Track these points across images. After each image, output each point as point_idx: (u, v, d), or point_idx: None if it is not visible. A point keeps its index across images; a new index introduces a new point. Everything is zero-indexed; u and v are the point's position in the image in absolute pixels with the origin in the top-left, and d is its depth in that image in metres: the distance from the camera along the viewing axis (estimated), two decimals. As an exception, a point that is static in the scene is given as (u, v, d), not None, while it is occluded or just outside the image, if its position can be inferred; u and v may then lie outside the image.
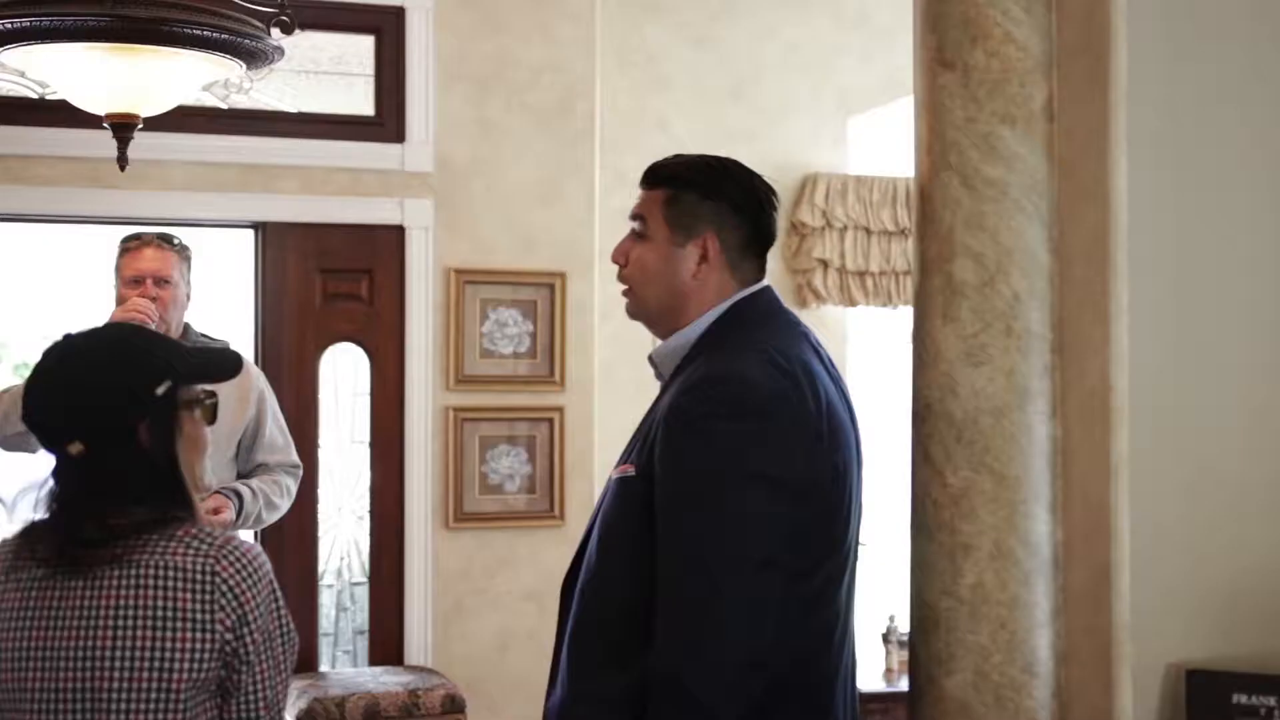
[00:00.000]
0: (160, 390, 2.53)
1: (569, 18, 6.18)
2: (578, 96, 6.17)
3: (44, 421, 2.53)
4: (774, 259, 7.10)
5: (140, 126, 4.42)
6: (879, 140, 7.36)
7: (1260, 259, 2.80)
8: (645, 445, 2.64)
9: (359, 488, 6.05)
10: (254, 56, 4.43)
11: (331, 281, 5.95)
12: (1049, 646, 2.86)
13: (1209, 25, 2.79)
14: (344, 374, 6.07)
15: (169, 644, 2.41)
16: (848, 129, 7.30)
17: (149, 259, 4.68)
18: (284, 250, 5.92)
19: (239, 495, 4.58)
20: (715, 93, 7.09)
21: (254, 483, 4.68)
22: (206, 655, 2.42)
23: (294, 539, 5.84)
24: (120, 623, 2.41)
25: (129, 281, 4.67)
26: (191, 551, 2.45)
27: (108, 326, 2.68)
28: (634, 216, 2.82)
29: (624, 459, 2.73)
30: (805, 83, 7.22)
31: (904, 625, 6.71)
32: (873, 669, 6.83)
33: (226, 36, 4.28)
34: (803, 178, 7.14)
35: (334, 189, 5.92)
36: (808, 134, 7.23)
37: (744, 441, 2.56)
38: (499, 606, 6.07)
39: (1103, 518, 2.76)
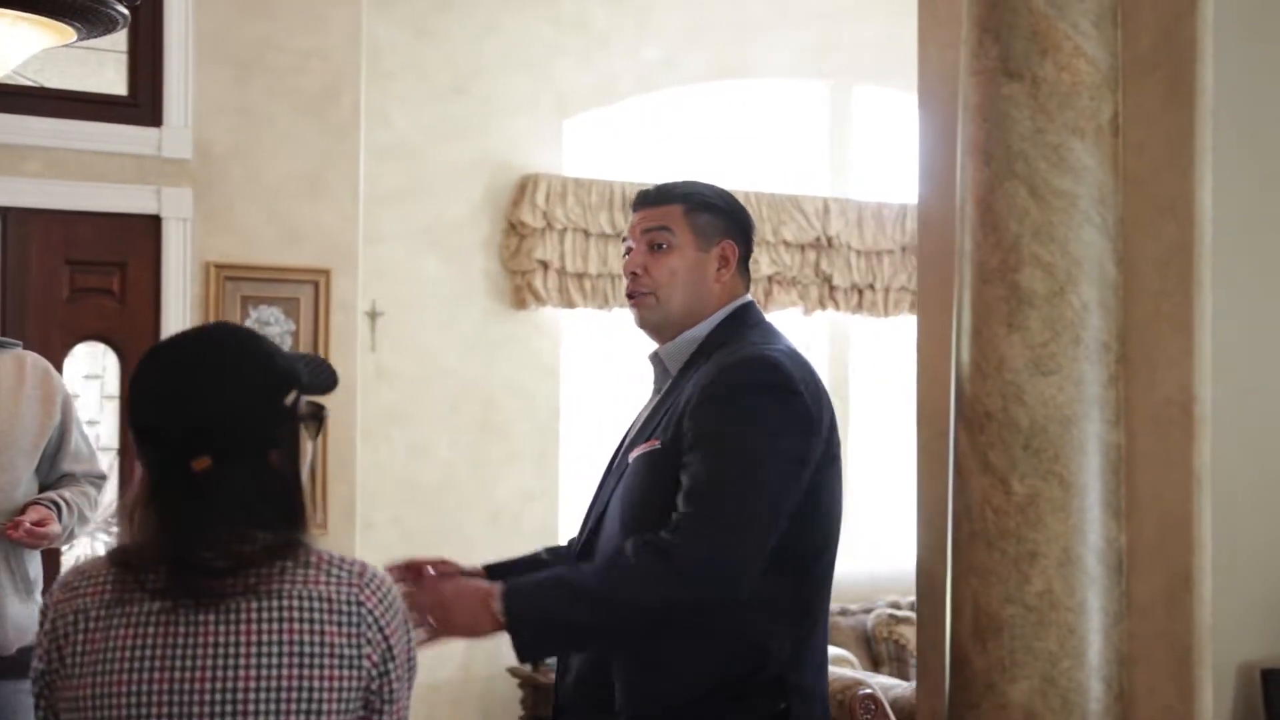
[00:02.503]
0: (289, 401, 2.26)
1: (335, 3, 5.89)
2: (344, 86, 5.88)
3: (166, 433, 2.20)
4: (492, 259, 7.05)
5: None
6: (594, 143, 7.36)
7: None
8: (671, 421, 2.84)
9: (105, 499, 5.56)
10: (98, 23, 4.04)
11: (80, 274, 5.46)
12: (1114, 650, 2.92)
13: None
14: (91, 375, 5.59)
15: (317, 683, 2.15)
16: (563, 131, 7.25)
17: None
18: (26, 239, 5.38)
19: (58, 507, 4.15)
20: (437, 88, 6.92)
21: (66, 494, 4.24)
22: (353, 694, 2.18)
23: (32, 556, 5.30)
24: (264, 660, 2.13)
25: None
26: (334, 580, 2.19)
27: (214, 327, 2.35)
28: (650, 229, 3.02)
29: (640, 440, 2.93)
30: (524, 82, 7.13)
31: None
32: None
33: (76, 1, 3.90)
34: (521, 178, 7.05)
35: (83, 174, 5.44)
36: (526, 134, 7.14)
37: (777, 411, 2.79)
38: (259, 623, 5.71)
39: (1181, 524, 2.83)
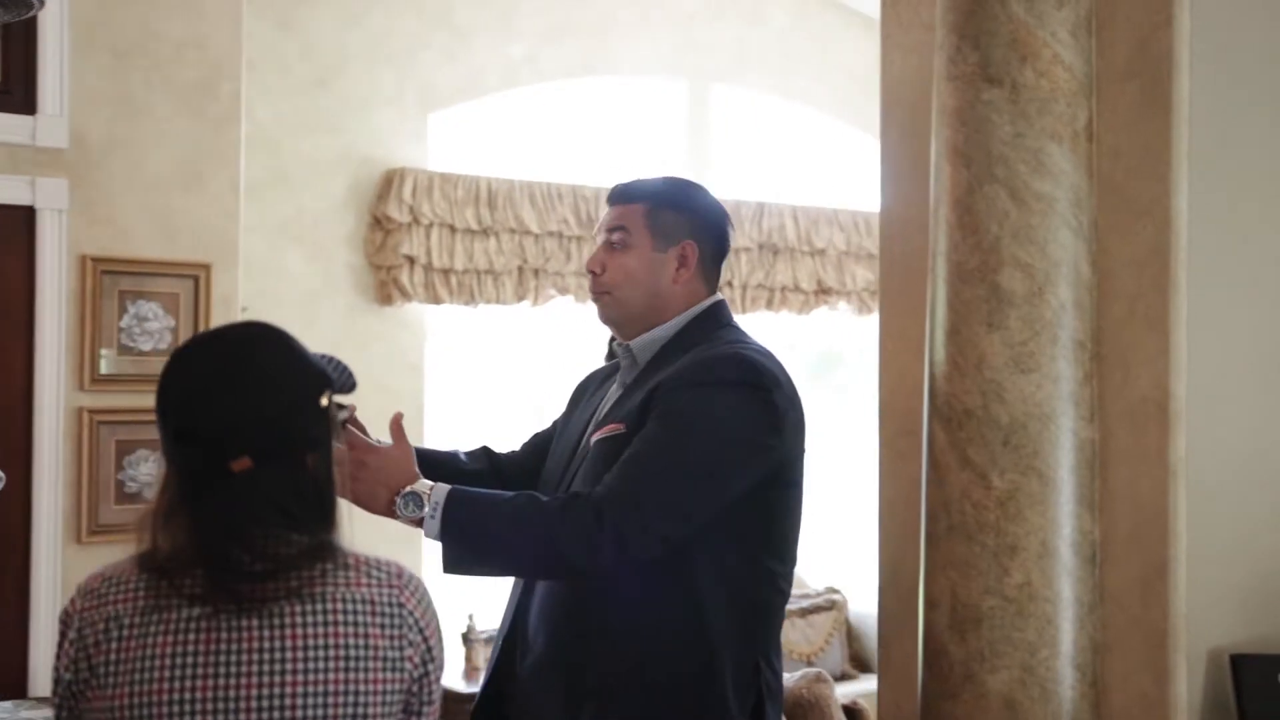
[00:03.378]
0: (324, 401, 2.24)
1: (213, -9, 5.75)
2: (223, 77, 5.73)
3: (207, 433, 2.16)
4: (356, 254, 6.98)
5: None
6: (459, 138, 7.31)
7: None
8: (638, 409, 2.85)
9: (-23, 500, 5.36)
10: (13, 6, 3.90)
11: (-51, 267, 5.25)
12: (1088, 639, 3.02)
13: (1260, 55, 3.04)
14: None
15: (363, 686, 2.14)
16: (428, 125, 7.20)
17: None
18: (-106, 229, 5.17)
19: None
20: (299, 80, 6.82)
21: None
22: (395, 697, 2.17)
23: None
24: (311, 665, 2.11)
25: None
26: (374, 582, 2.18)
27: (249, 325, 2.30)
28: (611, 229, 3.05)
29: (604, 425, 2.94)
30: (388, 76, 7.06)
31: (483, 624, 6.71)
32: (453, 669, 6.76)
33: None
34: (386, 172, 6.98)
35: (-46, 162, 5.23)
36: (390, 128, 7.07)
37: (739, 401, 2.82)
38: (136, 626, 5.54)
39: (1156, 517, 2.94)
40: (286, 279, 6.75)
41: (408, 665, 2.16)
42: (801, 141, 8.17)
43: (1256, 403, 3.04)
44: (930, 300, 3.15)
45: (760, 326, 7.82)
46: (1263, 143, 3.05)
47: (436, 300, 7.01)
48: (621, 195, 3.09)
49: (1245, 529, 3.02)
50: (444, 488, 2.78)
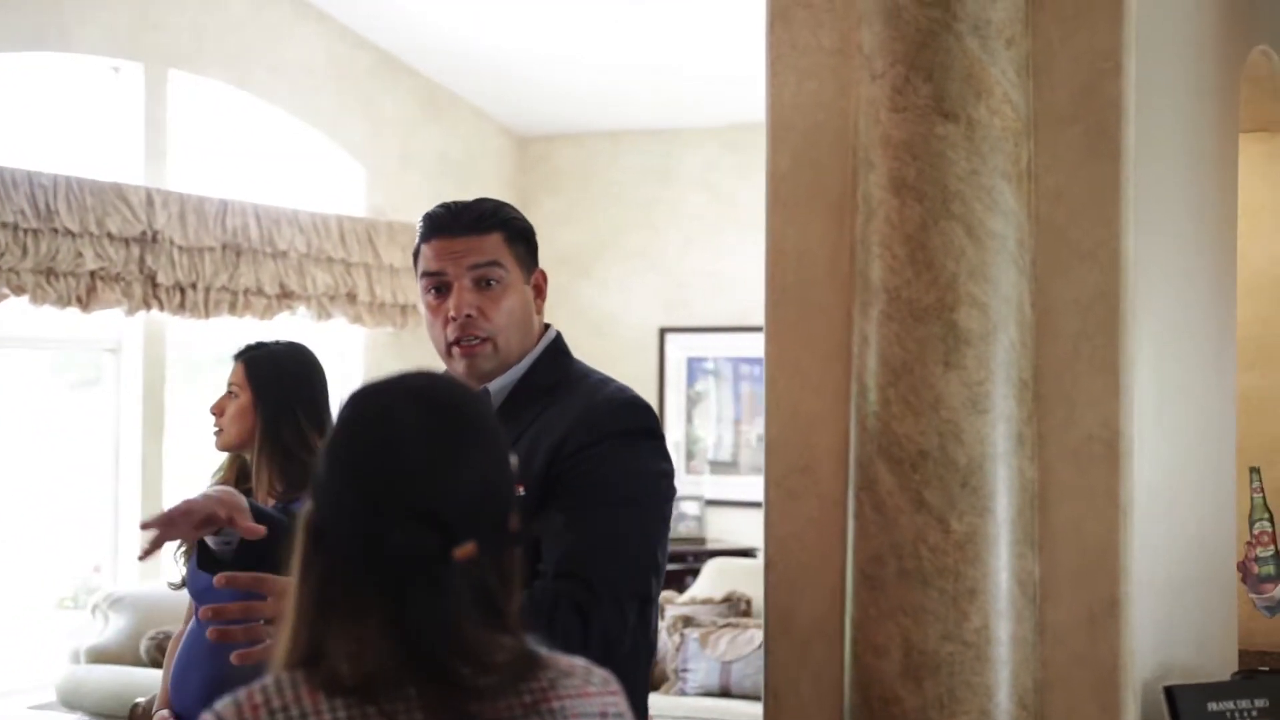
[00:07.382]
0: (515, 467, 1.90)
1: None
2: None
3: (442, 512, 1.75)
4: None
5: None
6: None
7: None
8: (540, 472, 2.68)
9: None
10: None
11: None
12: (1032, 678, 3.04)
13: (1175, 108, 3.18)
14: None
15: None
16: None
17: None
18: None
19: None
20: None
21: None
22: None
23: None
24: None
25: None
26: (595, 689, 1.87)
27: (429, 375, 1.85)
28: (480, 265, 2.77)
29: None
30: None
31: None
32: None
33: None
34: None
35: None
36: None
37: (656, 457, 2.81)
38: None
39: (1104, 554, 3.01)
40: None
41: None
42: (260, 137, 7.68)
43: (1179, 441, 3.17)
44: (861, 336, 3.05)
45: (224, 332, 7.28)
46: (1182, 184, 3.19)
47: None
48: (475, 224, 2.78)
49: (1168, 563, 3.14)
50: None
